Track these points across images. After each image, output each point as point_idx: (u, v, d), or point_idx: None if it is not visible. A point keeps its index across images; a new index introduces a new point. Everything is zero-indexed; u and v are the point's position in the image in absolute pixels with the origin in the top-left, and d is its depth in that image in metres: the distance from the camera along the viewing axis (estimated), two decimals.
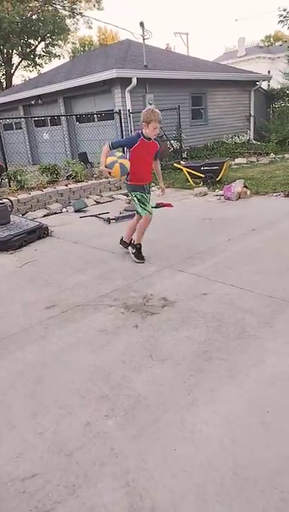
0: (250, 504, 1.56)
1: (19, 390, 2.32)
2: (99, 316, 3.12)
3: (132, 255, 4.21)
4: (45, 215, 6.70)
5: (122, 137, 10.64)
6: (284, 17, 14.22)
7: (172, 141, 11.52)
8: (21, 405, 2.20)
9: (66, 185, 7.72)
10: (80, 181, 8.02)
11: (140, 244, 4.18)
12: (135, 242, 4.21)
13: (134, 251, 4.21)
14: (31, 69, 27.99)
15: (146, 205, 4.09)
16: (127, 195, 7.63)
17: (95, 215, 6.33)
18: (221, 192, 7.12)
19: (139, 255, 4.17)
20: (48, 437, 1.96)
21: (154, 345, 2.65)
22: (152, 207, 6.40)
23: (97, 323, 3.01)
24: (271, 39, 41.33)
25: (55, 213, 6.88)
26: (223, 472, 1.70)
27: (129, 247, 4.31)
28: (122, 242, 4.50)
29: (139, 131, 3.92)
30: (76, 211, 6.83)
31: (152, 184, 4.70)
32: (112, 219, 5.92)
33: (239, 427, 1.93)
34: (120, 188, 8.40)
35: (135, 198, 4.09)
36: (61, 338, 2.84)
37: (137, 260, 4.15)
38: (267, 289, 3.31)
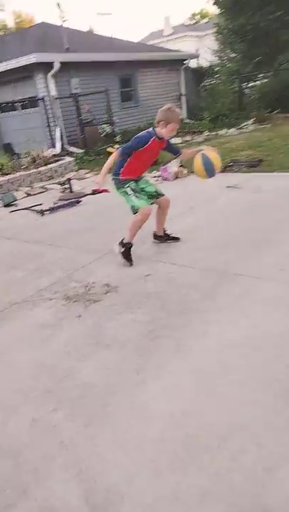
0: (203, 469, 1.64)
1: None
2: (38, 311, 3.06)
3: (120, 255, 3.67)
4: None
5: (48, 123, 10.42)
6: None
7: (104, 126, 11.44)
8: None
9: None
10: (6, 174, 7.74)
11: (131, 244, 3.68)
12: (125, 241, 3.68)
13: (122, 250, 3.66)
14: None
15: (141, 194, 3.64)
16: (61, 184, 7.51)
17: (27, 208, 6.16)
18: (158, 173, 7.22)
19: (128, 256, 3.66)
20: None
21: (98, 332, 2.67)
22: (86, 194, 6.39)
23: (36, 318, 2.96)
24: (198, 16, 42.17)
25: None
26: (176, 443, 1.77)
27: (116, 246, 3.74)
28: (157, 237, 4.06)
29: (151, 130, 3.54)
30: (5, 206, 6.59)
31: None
32: (46, 210, 5.80)
33: (188, 398, 2.01)
34: (52, 178, 8.23)
35: (128, 189, 3.60)
36: (1, 337, 2.76)
37: (126, 262, 3.64)
38: (208, 264, 3.44)
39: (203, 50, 19.81)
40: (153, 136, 3.51)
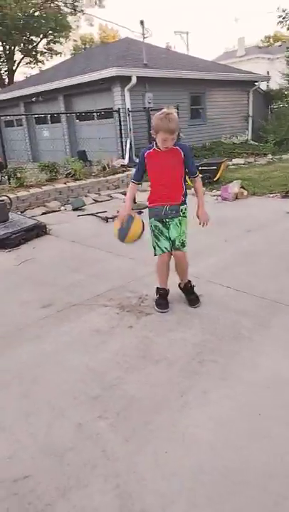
0: (242, 509, 1.54)
1: (13, 391, 2.30)
2: (93, 315, 3.10)
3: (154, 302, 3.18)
4: (43, 213, 6.66)
5: (121, 134, 10.61)
6: (283, 18, 14.19)
7: None
8: (14, 406, 2.18)
9: (65, 183, 7.68)
10: (78, 179, 7.98)
11: (164, 289, 3.17)
12: (157, 286, 3.21)
13: (156, 297, 3.18)
14: (33, 66, 27.83)
15: (159, 241, 3.03)
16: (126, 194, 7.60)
17: (93, 214, 6.29)
18: (219, 192, 7.09)
19: (159, 302, 3.13)
20: (40, 438, 1.95)
21: (148, 346, 2.63)
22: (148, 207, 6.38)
23: (91, 323, 2.98)
24: (271, 40, 41.18)
25: (54, 211, 6.84)
26: (214, 476, 1.69)
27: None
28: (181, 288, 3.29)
29: (153, 143, 2.97)
30: (74, 209, 6.79)
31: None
32: (110, 218, 5.89)
33: (231, 430, 1.91)
34: (118, 187, 8.36)
35: (149, 226, 3.04)
36: (56, 337, 2.82)
37: (156, 309, 3.11)
38: (262, 291, 3.29)
39: (274, 73, 19.23)
40: (152, 147, 2.93)
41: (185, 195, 3.10)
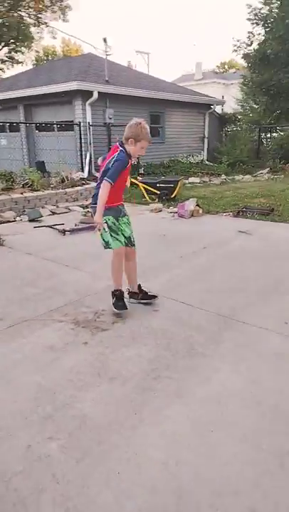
0: None
1: None
2: (47, 331, 3.00)
3: (112, 306, 3.25)
4: None
5: (81, 147, 10.57)
6: (237, 47, 15.01)
7: None
8: None
9: (21, 194, 7.48)
10: (36, 190, 7.81)
11: (119, 291, 3.26)
12: (112, 289, 3.28)
13: (113, 300, 3.25)
14: None
15: (118, 235, 3.17)
16: (84, 207, 7.54)
17: (50, 226, 6.16)
18: (175, 209, 7.23)
19: (119, 304, 3.21)
20: None
21: (103, 362, 2.58)
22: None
23: (45, 339, 2.88)
24: (226, 66, 43.38)
25: (9, 222, 6.61)
26: (167, 495, 1.67)
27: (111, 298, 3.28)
28: (131, 294, 3.43)
29: (121, 149, 3.03)
30: (30, 221, 6.61)
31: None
32: (68, 230, 5.79)
33: (184, 447, 1.91)
34: (77, 200, 8.28)
35: (105, 224, 3.10)
36: (6, 354, 2.69)
37: (117, 311, 3.20)
38: (216, 307, 3.36)
39: (229, 98, 20.23)
40: (129, 156, 3.03)
41: None
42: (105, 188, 2.96)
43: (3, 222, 6.53)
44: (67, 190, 8.19)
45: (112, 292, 3.29)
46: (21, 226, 6.37)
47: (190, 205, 6.93)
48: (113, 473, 1.77)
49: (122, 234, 3.23)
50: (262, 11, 13.88)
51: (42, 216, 6.87)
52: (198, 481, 1.72)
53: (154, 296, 3.45)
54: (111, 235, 3.15)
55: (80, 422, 2.07)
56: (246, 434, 1.97)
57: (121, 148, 3.04)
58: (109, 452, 1.88)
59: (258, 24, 14.16)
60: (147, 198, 8.39)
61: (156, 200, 8.26)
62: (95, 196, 3.10)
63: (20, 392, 2.30)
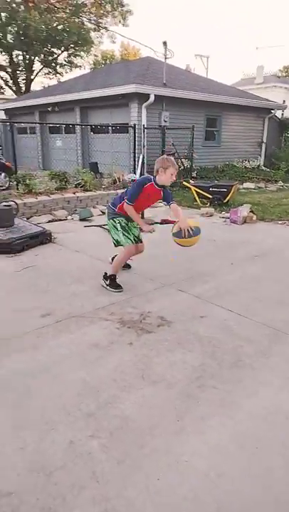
0: None
1: (4, 401, 2.25)
2: (93, 329, 3.06)
3: (108, 287, 3.81)
4: (49, 221, 6.69)
5: (134, 149, 10.75)
6: None
7: (183, 160, 11.59)
8: (5, 417, 2.13)
9: (74, 193, 7.73)
10: (88, 190, 8.04)
11: (115, 275, 3.83)
12: (110, 273, 3.83)
13: (107, 282, 3.83)
14: (51, 77, 28.41)
15: (129, 234, 3.76)
16: None
17: (100, 226, 6.31)
18: (228, 214, 7.11)
19: (116, 284, 3.81)
20: (29, 453, 1.89)
21: (147, 365, 2.58)
22: (156, 223, 6.43)
23: (91, 336, 2.94)
24: None
25: (60, 220, 6.86)
26: (207, 507, 1.63)
27: (102, 280, 3.88)
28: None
29: (150, 176, 3.67)
30: (81, 220, 6.82)
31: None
32: None
33: (227, 460, 1.85)
34: None
35: (118, 225, 3.73)
36: (53, 348, 2.78)
37: (115, 290, 3.76)
38: (266, 318, 3.25)
39: None
40: (151, 181, 3.60)
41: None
42: (129, 209, 3.61)
43: (56, 221, 6.79)
44: (118, 191, 8.34)
45: (109, 276, 3.84)
46: (72, 225, 6.58)
47: (243, 211, 6.78)
48: (153, 479, 1.76)
49: (133, 233, 3.82)
50: None
51: (92, 216, 7.06)
52: (239, 496, 1.66)
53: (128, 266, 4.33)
54: (123, 234, 3.74)
55: (122, 423, 2.08)
56: None
57: (148, 176, 3.70)
58: (149, 456, 1.87)
59: None
60: (199, 201, 8.32)
61: (208, 204, 8.17)
62: (111, 202, 3.87)
63: (65, 387, 2.36)
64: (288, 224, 6.77)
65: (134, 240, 3.84)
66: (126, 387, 2.36)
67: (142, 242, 3.97)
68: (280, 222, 6.93)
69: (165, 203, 3.76)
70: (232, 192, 8.17)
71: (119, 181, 8.78)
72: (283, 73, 40.54)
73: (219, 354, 2.72)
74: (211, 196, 8.22)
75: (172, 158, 3.68)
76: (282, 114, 17.34)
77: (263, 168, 14.54)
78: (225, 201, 8.11)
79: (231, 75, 71.00)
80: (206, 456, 1.87)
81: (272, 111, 15.48)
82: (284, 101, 18.99)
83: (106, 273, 3.89)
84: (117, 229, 3.76)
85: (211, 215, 7.40)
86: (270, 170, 13.98)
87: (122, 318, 3.22)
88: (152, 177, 3.65)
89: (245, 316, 3.30)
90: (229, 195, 8.13)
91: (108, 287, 3.80)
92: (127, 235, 3.76)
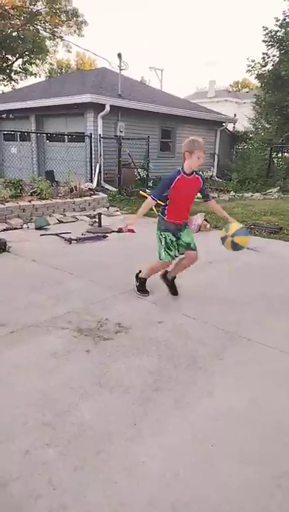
0: None
1: None
2: (51, 338, 3.02)
3: (135, 288, 3.94)
4: (4, 230, 6.51)
5: (91, 158, 10.76)
6: (252, 67, 15.28)
7: (139, 170, 11.77)
8: None
9: (29, 202, 7.59)
10: (44, 199, 7.92)
11: (145, 279, 3.89)
12: (141, 275, 3.90)
13: (137, 284, 3.92)
14: (6, 83, 27.84)
15: (171, 250, 3.61)
16: (91, 217, 7.63)
17: (57, 234, 6.24)
18: None
19: (143, 288, 3.90)
20: None
21: (104, 371, 2.59)
22: (114, 231, 6.48)
23: (48, 345, 2.91)
24: (239, 85, 44.14)
25: (16, 229, 6.70)
26: (163, 508, 1.66)
27: (135, 281, 3.94)
28: (164, 276, 3.95)
29: (178, 169, 3.42)
30: (37, 228, 6.70)
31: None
32: (74, 239, 5.86)
33: (182, 461, 1.90)
34: (84, 210, 8.38)
35: (163, 241, 3.58)
36: (8, 359, 2.71)
37: (140, 294, 3.88)
38: (220, 322, 3.37)
39: (241, 117, 20.51)
40: (180, 173, 3.35)
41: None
42: (148, 203, 3.43)
43: (10, 229, 6.62)
44: (75, 199, 8.31)
45: (140, 277, 3.89)
46: (28, 233, 6.45)
47: (198, 219, 6.99)
48: (111, 483, 1.77)
49: (182, 242, 3.63)
50: (278, 34, 14.16)
51: (49, 224, 6.96)
52: (195, 496, 1.72)
53: (176, 293, 3.93)
54: (165, 250, 3.60)
55: (80, 430, 2.07)
56: (245, 453, 1.96)
57: (177, 169, 3.43)
58: (107, 461, 1.88)
59: (273, 46, 14.43)
60: (155, 210, 8.43)
61: None
62: (161, 210, 3.62)
63: (21, 397, 2.32)
64: None
65: (184, 246, 3.63)
66: (83, 395, 2.35)
67: (195, 250, 3.64)
68: None
69: (203, 197, 3.62)
70: None
71: (76, 190, 8.73)
72: (234, 88, 42.45)
73: (175, 357, 2.79)
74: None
75: (200, 139, 3.33)
76: (234, 127, 18.15)
77: (216, 178, 15.07)
78: None
79: (185, 88, 73.32)
80: (162, 458, 1.91)
81: (224, 124, 16.16)
82: (235, 114, 19.86)
83: (140, 271, 3.93)
84: (161, 243, 3.62)
85: None
86: (222, 180, 14.51)
87: (79, 327, 3.21)
88: (179, 168, 3.39)
89: (201, 319, 3.40)
90: None
91: (136, 288, 3.92)
92: (168, 252, 3.60)
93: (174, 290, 3.92)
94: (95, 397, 2.34)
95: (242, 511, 1.66)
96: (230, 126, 17.37)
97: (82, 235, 6.23)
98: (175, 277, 3.91)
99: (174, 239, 3.60)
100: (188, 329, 3.24)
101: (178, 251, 3.67)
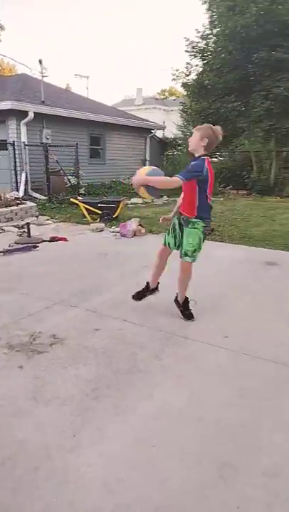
0: None
1: None
2: None
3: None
4: None
5: (15, 167, 10.43)
6: (176, 76, 15.92)
7: (70, 177, 11.65)
8: None
9: None
10: None
11: (147, 283, 3.66)
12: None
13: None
14: None
15: (168, 234, 3.48)
16: (19, 228, 7.38)
17: None
18: (118, 229, 7.34)
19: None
20: None
21: (38, 386, 2.51)
22: (45, 241, 6.33)
23: None
24: (166, 93, 45.82)
25: None
26: None
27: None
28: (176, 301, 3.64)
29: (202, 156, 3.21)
30: None
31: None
32: (1, 252, 5.62)
33: (124, 465, 1.90)
34: (11, 220, 8.08)
35: (200, 238, 3.33)
36: None
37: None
38: (158, 323, 3.43)
39: (169, 124, 21.28)
40: (206, 158, 3.21)
41: (200, 210, 3.28)
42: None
43: None
44: (0, 209, 7.99)
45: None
46: None
47: (132, 224, 7.09)
48: (51, 500, 1.71)
49: (175, 237, 3.46)
50: (199, 45, 14.94)
51: None
52: (138, 498, 1.72)
53: (191, 316, 3.56)
54: (199, 248, 3.40)
55: (15, 449, 1.98)
56: (186, 449, 2.00)
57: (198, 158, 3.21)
58: (46, 477, 1.82)
59: (195, 56, 15.18)
60: (88, 217, 8.43)
61: (98, 220, 8.33)
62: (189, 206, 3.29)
63: None
64: None
65: (168, 244, 3.49)
66: (17, 412, 2.25)
67: (186, 258, 3.40)
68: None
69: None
70: (120, 207, 8.49)
71: (1, 200, 8.41)
72: (161, 96, 43.95)
73: (114, 364, 2.78)
74: (100, 212, 8.40)
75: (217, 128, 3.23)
76: (163, 133, 18.76)
77: None
78: (114, 216, 8.37)
79: (112, 96, 74.33)
80: (103, 465, 1.89)
81: (153, 131, 16.63)
82: (164, 122, 20.58)
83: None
84: (196, 243, 3.33)
85: (101, 230, 7.56)
86: None
87: (10, 343, 3.08)
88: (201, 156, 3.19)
89: (139, 323, 3.44)
90: (118, 211, 8.42)
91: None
92: (166, 233, 3.50)
93: (187, 313, 3.54)
94: (30, 413, 2.25)
95: (186, 506, 1.69)
96: (159, 133, 17.92)
97: (10, 246, 5.99)
98: (187, 300, 3.58)
99: (177, 226, 3.41)
100: (128, 334, 3.25)
101: (175, 244, 3.47)
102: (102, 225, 7.82)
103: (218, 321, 3.53)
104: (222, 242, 6.76)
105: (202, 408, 2.32)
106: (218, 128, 3.25)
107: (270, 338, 3.20)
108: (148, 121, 17.23)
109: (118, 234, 7.11)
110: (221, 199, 12.83)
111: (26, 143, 10.94)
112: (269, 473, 1.85)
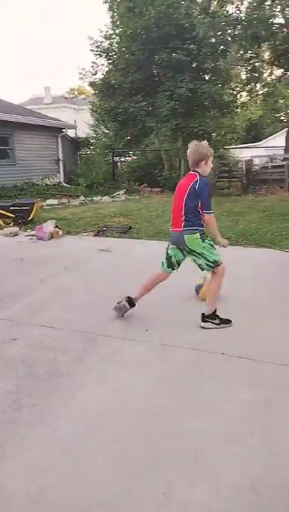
0: None
1: None
2: None
3: (220, 325, 3.28)
4: None
5: None
6: (83, 75, 15.77)
7: None
8: None
9: None
10: None
11: (215, 309, 3.31)
12: (209, 312, 3.29)
13: (216, 321, 3.29)
14: None
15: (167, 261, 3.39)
16: None
17: None
18: (33, 232, 7.10)
19: (220, 318, 3.31)
20: None
21: None
22: None
23: None
24: (76, 92, 45.06)
25: None
26: None
27: (206, 323, 3.27)
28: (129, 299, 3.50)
29: (196, 174, 3.20)
30: None
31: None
32: None
33: (48, 472, 1.86)
34: None
35: (209, 245, 3.21)
36: None
37: (227, 325, 3.31)
38: (78, 326, 3.40)
39: (81, 123, 21.08)
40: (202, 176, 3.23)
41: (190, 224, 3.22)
42: (213, 220, 3.21)
43: None
44: None
45: (212, 314, 3.30)
46: None
47: (48, 227, 6.91)
48: None
49: (168, 259, 3.39)
50: (103, 44, 14.91)
51: None
52: (64, 502, 1.70)
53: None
54: (216, 252, 3.25)
55: None
56: (108, 445, 2.02)
57: (195, 175, 3.22)
58: None
59: (100, 56, 15.14)
60: (1, 222, 8.02)
61: (12, 224, 7.97)
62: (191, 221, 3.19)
63: None
64: (92, 235, 7.24)
65: (162, 264, 3.42)
66: None
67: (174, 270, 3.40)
68: (85, 234, 7.36)
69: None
70: (35, 209, 8.21)
71: None
72: (70, 95, 43.17)
73: (34, 371, 2.70)
74: (13, 215, 8.04)
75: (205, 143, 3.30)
76: (76, 133, 18.50)
77: (64, 184, 15.11)
78: (29, 219, 8.07)
79: (18, 94, 71.16)
80: (27, 476, 1.84)
81: (64, 130, 16.29)
82: (75, 121, 20.30)
83: (204, 314, 3.30)
84: (208, 250, 3.19)
85: (16, 235, 7.25)
86: (70, 186, 14.64)
87: None
88: (196, 173, 3.20)
89: (60, 327, 3.37)
90: (32, 213, 8.14)
91: (221, 324, 3.29)
92: (164, 262, 3.41)
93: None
94: None
95: (112, 502, 1.71)
96: (71, 133, 17.62)
97: None
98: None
99: (171, 250, 3.35)
100: (47, 340, 3.17)
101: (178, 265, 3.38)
102: (16, 228, 7.50)
103: (139, 317, 3.58)
104: (140, 239, 6.90)
105: (125, 401, 2.36)
106: (205, 144, 3.34)
107: (189, 327, 3.35)
108: (58, 120, 16.83)
109: (34, 237, 6.88)
110: (137, 197, 13.08)
111: None
112: (189, 456, 1.95)
